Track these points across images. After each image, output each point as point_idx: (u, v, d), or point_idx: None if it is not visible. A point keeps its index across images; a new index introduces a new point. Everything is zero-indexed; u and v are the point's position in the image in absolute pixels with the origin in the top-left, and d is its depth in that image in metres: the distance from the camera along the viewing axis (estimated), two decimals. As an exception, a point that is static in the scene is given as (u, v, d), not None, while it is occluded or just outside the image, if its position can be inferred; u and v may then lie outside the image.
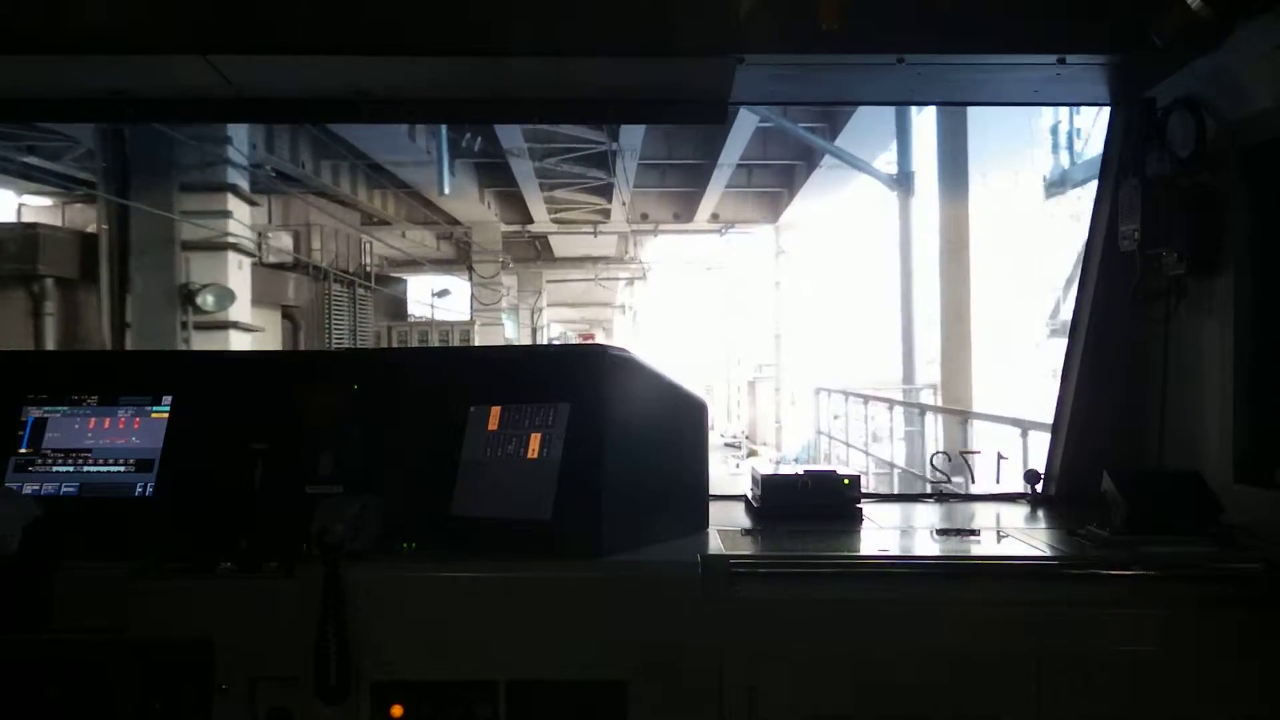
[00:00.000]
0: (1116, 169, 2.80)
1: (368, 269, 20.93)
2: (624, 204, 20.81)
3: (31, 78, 2.68)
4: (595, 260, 30.75)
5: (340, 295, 19.04)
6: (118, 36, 2.46)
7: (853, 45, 2.47)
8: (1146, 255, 2.65)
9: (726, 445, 25.78)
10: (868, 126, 15.32)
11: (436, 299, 28.04)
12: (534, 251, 29.98)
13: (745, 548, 2.29)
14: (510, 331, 34.97)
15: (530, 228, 25.56)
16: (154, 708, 2.03)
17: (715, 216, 24.11)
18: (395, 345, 23.07)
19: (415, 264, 26.09)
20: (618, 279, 35.28)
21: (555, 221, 25.10)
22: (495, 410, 2.37)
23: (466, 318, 25.85)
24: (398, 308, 25.01)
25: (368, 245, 21.10)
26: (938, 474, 3.15)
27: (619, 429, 2.19)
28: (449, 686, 2.04)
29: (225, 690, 2.01)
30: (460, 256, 26.70)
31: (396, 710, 2.04)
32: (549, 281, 33.79)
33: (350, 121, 2.82)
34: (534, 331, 32.94)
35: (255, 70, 2.64)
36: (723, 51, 2.52)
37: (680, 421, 2.42)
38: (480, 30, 2.51)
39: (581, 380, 2.23)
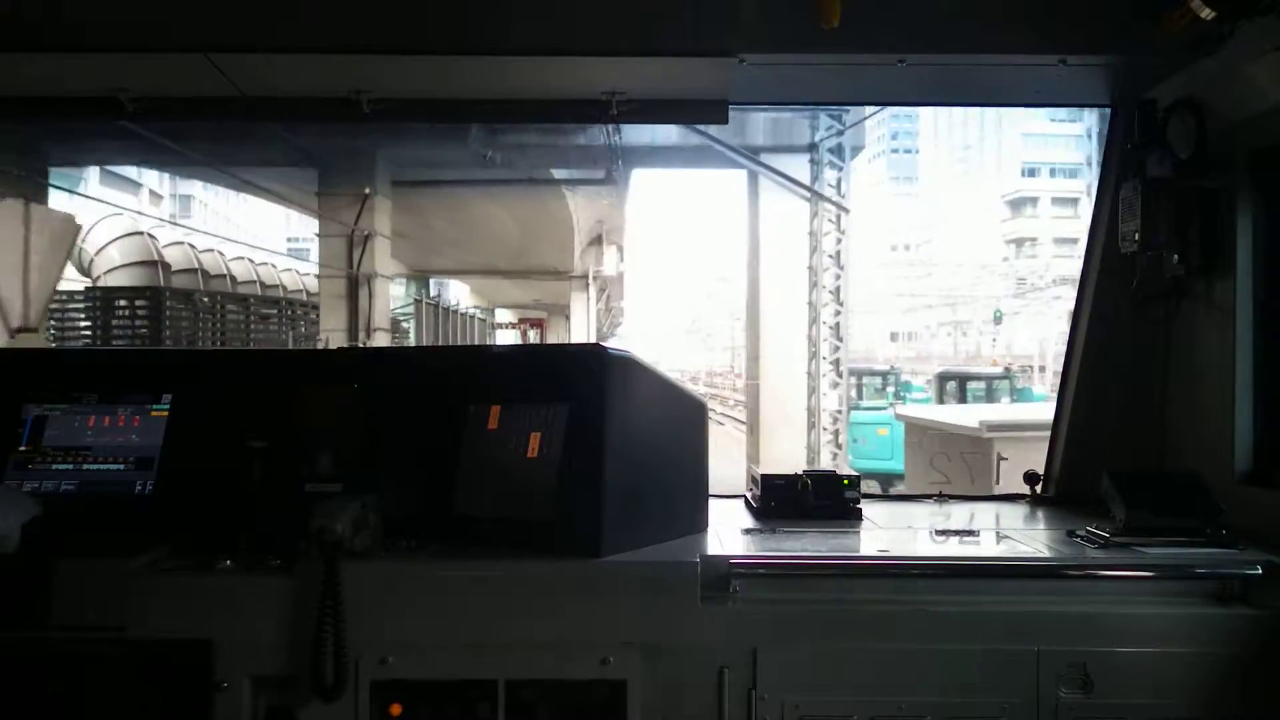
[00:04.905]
0: (1117, 170, 2.80)
1: None
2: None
3: (32, 76, 2.69)
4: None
5: None
6: (119, 35, 2.47)
7: (853, 45, 2.48)
8: (1147, 257, 2.66)
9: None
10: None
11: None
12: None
13: (745, 548, 2.29)
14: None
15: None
16: (154, 706, 2.03)
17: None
18: None
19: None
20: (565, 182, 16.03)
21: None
22: (495, 409, 2.37)
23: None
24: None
25: None
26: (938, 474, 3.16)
27: (619, 429, 2.19)
28: (448, 685, 2.04)
29: (225, 688, 2.02)
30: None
31: (395, 709, 2.04)
32: (399, 184, 15.63)
33: (350, 121, 2.83)
34: (354, 281, 14.64)
35: (256, 69, 2.64)
36: (723, 52, 2.53)
37: (680, 421, 2.42)
38: (480, 30, 2.52)
39: (581, 380, 2.23)
